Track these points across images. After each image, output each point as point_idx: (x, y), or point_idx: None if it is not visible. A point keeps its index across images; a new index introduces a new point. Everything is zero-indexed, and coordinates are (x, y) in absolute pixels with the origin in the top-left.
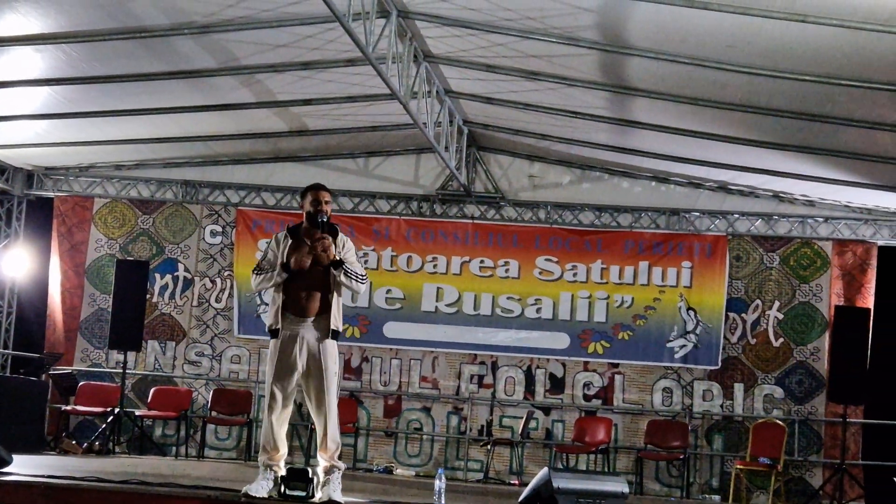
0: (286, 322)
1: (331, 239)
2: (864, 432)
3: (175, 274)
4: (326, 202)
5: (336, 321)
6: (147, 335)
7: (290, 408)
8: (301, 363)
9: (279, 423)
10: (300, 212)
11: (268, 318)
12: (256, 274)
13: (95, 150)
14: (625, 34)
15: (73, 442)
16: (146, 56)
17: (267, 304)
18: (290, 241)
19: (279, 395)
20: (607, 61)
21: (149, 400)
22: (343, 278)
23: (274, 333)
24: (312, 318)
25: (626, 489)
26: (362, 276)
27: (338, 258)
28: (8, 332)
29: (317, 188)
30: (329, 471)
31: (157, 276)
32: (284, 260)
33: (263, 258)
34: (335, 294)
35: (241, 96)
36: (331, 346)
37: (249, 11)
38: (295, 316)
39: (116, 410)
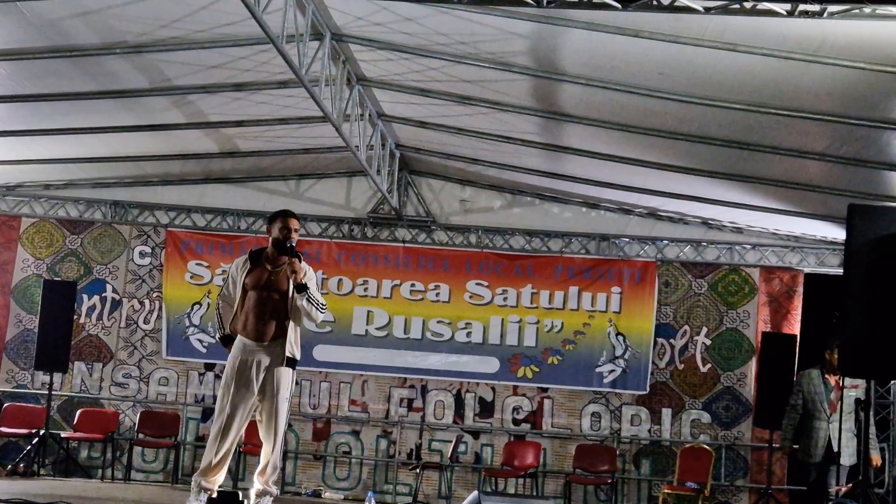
0: (242, 346)
1: (299, 263)
2: (790, 458)
3: (103, 295)
4: (295, 229)
5: (292, 348)
6: (74, 356)
7: (240, 432)
8: (256, 387)
9: (226, 448)
10: (230, 233)
11: (224, 326)
12: (218, 306)
13: (23, 169)
14: (557, 60)
15: None
16: (77, 75)
17: (196, 327)
18: (248, 267)
19: (232, 423)
20: (539, 87)
21: (75, 422)
22: (304, 303)
23: (226, 340)
24: (267, 343)
25: None
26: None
27: (303, 283)
28: None
29: (286, 215)
30: (261, 494)
31: (85, 296)
32: (247, 281)
33: (223, 287)
34: (292, 321)
35: (173, 117)
36: (285, 372)
37: (182, 32)
38: (251, 340)
39: (42, 432)
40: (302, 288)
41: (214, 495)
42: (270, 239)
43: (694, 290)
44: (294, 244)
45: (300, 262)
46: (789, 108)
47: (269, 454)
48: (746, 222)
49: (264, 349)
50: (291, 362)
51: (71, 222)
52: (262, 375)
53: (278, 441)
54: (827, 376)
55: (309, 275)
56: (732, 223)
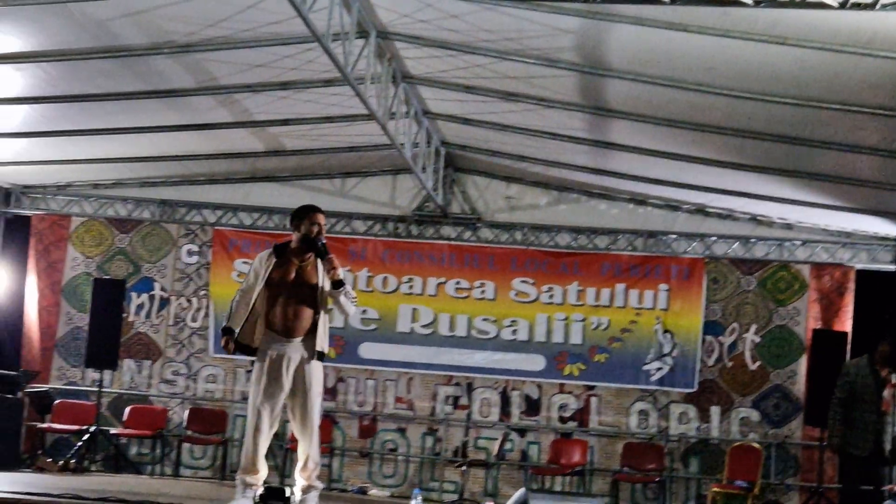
0: (272, 342)
1: (336, 260)
2: (840, 456)
3: (151, 293)
4: (322, 225)
5: (322, 342)
6: (123, 354)
7: (275, 429)
8: (287, 383)
9: (263, 443)
10: (276, 232)
11: (252, 338)
12: (235, 299)
13: (73, 169)
14: (603, 56)
15: (49, 460)
16: (125, 75)
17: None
18: (274, 260)
19: (265, 416)
20: (586, 83)
21: (124, 418)
22: (343, 298)
23: (251, 352)
24: (300, 339)
25: None
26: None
27: (341, 279)
28: None
29: (314, 211)
30: (307, 490)
31: (134, 295)
32: (266, 276)
33: (245, 281)
34: (322, 315)
35: (219, 116)
36: (316, 367)
37: (228, 31)
38: (281, 335)
39: (92, 429)
40: (339, 284)
41: (260, 491)
42: (297, 235)
43: (743, 286)
44: (324, 241)
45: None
46: (841, 102)
47: (307, 450)
48: (796, 218)
49: (294, 345)
50: (321, 356)
51: (120, 221)
52: (292, 371)
53: (314, 436)
54: (877, 366)
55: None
56: (782, 219)
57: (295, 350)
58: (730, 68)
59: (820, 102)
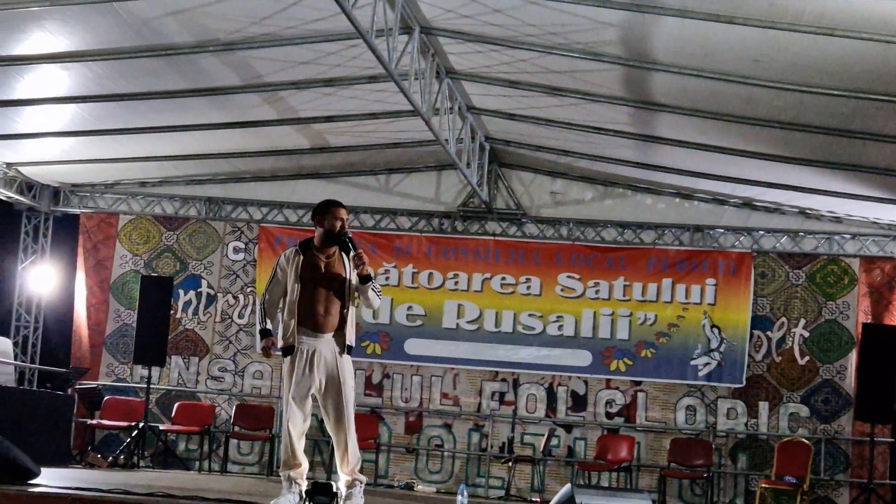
0: (303, 338)
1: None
2: (892, 451)
3: (198, 290)
4: (345, 219)
5: (350, 336)
6: (171, 350)
7: (309, 422)
8: (318, 379)
9: (298, 437)
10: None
11: (281, 335)
12: (264, 300)
13: (120, 167)
14: (648, 49)
15: (99, 456)
16: (170, 73)
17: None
18: (300, 258)
19: (298, 411)
20: (630, 76)
21: (172, 415)
22: (370, 293)
23: (287, 351)
24: (331, 334)
25: None
26: (380, 291)
27: (368, 273)
28: (34, 347)
29: (336, 205)
30: (351, 485)
31: (181, 292)
32: (301, 273)
33: (271, 281)
34: (350, 309)
35: (264, 113)
36: (347, 361)
37: (273, 29)
38: (312, 331)
39: (141, 425)
40: (367, 279)
41: (305, 486)
42: (320, 230)
43: (791, 281)
44: (350, 235)
45: (355, 251)
46: (889, 94)
47: (344, 445)
48: (845, 211)
49: (325, 340)
50: (350, 350)
51: (167, 219)
52: (322, 367)
53: (351, 430)
54: None
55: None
56: (831, 212)
57: (325, 345)
58: (776, 60)
59: (869, 94)
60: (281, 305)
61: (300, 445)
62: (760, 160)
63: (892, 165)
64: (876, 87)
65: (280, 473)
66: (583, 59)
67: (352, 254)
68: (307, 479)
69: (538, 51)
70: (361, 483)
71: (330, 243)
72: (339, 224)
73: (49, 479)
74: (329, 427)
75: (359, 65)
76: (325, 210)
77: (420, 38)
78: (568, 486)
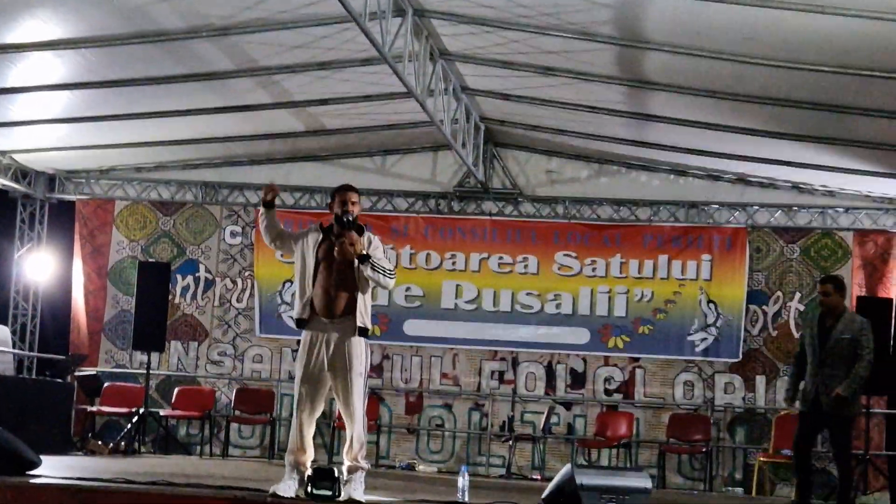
0: (313, 322)
1: (356, 235)
2: (888, 423)
3: (196, 275)
4: (353, 202)
5: (363, 318)
6: (170, 336)
7: (320, 408)
8: (327, 364)
9: (307, 424)
10: (318, 211)
11: (295, 311)
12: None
13: (115, 153)
14: (642, 29)
15: (100, 442)
16: (164, 59)
17: (289, 304)
18: (320, 237)
19: (307, 397)
20: (624, 56)
21: (173, 400)
22: (370, 272)
23: (301, 324)
24: (339, 317)
25: (649, 484)
26: (390, 270)
27: (364, 253)
28: (33, 335)
29: (343, 189)
30: (352, 470)
31: (179, 277)
32: (315, 252)
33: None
34: (361, 292)
35: (259, 97)
36: (357, 344)
37: (266, 13)
38: (321, 316)
39: (141, 411)
40: (364, 259)
41: (309, 472)
42: (333, 215)
43: (786, 255)
44: (352, 217)
45: (361, 234)
46: (879, 69)
47: (351, 429)
48: (838, 185)
49: (334, 325)
50: (363, 332)
51: (163, 204)
52: (332, 352)
53: (358, 416)
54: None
55: (374, 244)
56: (824, 186)
57: (334, 329)
58: (769, 38)
59: (860, 70)
60: (296, 278)
61: (309, 433)
62: (754, 136)
63: (884, 139)
64: (866, 63)
65: (285, 457)
66: (576, 39)
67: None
68: (312, 463)
69: (531, 32)
70: (363, 469)
71: (338, 227)
72: (342, 207)
73: (50, 468)
74: (340, 410)
75: (353, 48)
76: (333, 194)
77: (413, 21)
78: (568, 465)
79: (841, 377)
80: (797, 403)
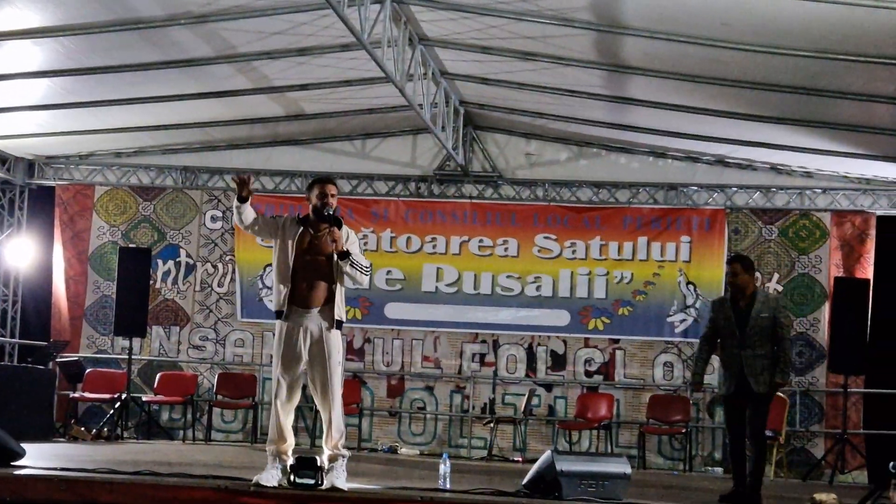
0: (291, 313)
1: (338, 232)
2: (865, 402)
3: (177, 259)
4: (332, 195)
5: (340, 311)
6: (151, 321)
7: (297, 397)
8: (305, 353)
9: (286, 412)
10: (299, 195)
11: (273, 303)
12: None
13: (95, 139)
14: (619, 14)
15: (83, 428)
16: (143, 46)
17: (270, 289)
18: (299, 229)
19: (285, 385)
20: (602, 41)
21: (155, 385)
22: (349, 269)
23: (279, 315)
24: (317, 309)
25: (629, 470)
26: (366, 267)
27: (345, 250)
28: (14, 321)
29: (322, 181)
30: (333, 458)
31: (160, 262)
32: (293, 244)
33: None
34: (339, 285)
35: (238, 83)
36: (335, 336)
37: (244, 0)
38: (299, 307)
39: (123, 396)
40: (345, 255)
41: (290, 461)
42: (310, 206)
43: (764, 236)
44: (332, 211)
45: (339, 227)
46: (855, 53)
47: (329, 420)
48: (816, 166)
49: (311, 316)
50: (339, 325)
51: (143, 189)
52: (308, 342)
53: (337, 405)
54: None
55: (351, 238)
56: (802, 168)
57: (312, 320)
58: (744, 23)
59: (836, 54)
60: (275, 268)
61: (288, 422)
62: (732, 119)
63: (860, 121)
64: (841, 47)
65: (266, 448)
66: (554, 24)
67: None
68: (293, 451)
69: (509, 17)
70: (344, 458)
71: (317, 219)
72: (322, 199)
73: (34, 458)
74: (316, 401)
75: (331, 34)
76: (311, 186)
77: (392, 7)
78: (548, 452)
79: (763, 357)
80: (715, 390)
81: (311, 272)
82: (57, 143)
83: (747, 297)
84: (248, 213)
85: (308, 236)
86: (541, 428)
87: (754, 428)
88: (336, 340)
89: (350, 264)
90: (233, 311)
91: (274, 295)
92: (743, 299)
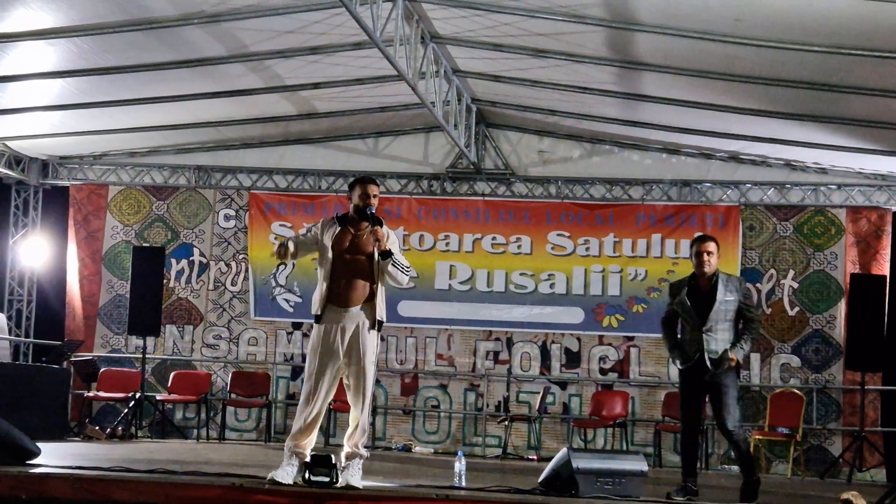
0: (329, 312)
1: (382, 231)
2: (883, 399)
3: (191, 258)
4: (374, 195)
5: (380, 311)
6: (165, 320)
7: (329, 399)
8: (342, 352)
9: (315, 414)
10: (312, 193)
11: (313, 306)
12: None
13: (108, 139)
14: (631, 10)
15: (97, 428)
16: (156, 46)
17: (283, 287)
18: (338, 229)
19: (320, 385)
20: (614, 37)
21: (169, 384)
22: (391, 268)
23: (317, 319)
24: (357, 308)
25: (645, 467)
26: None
27: (388, 249)
28: (28, 321)
29: (365, 181)
30: (351, 456)
31: (173, 261)
32: (332, 244)
33: (304, 233)
34: (379, 284)
35: (251, 82)
36: (371, 336)
37: (257, 0)
38: (337, 306)
39: (138, 395)
40: (387, 254)
41: (307, 459)
42: (351, 205)
43: (779, 233)
44: (374, 211)
45: (381, 227)
46: (870, 49)
47: (357, 418)
48: (831, 162)
49: (350, 314)
50: (380, 325)
51: (156, 188)
52: (347, 340)
53: (366, 404)
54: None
55: (391, 239)
56: (816, 164)
57: (351, 319)
58: (758, 18)
59: (850, 49)
60: (319, 274)
61: (316, 422)
62: (746, 115)
63: (875, 117)
64: (854, 42)
65: (286, 443)
66: (567, 21)
67: (369, 230)
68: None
69: (522, 14)
70: (362, 457)
71: (358, 218)
72: (364, 199)
73: (50, 457)
74: (348, 397)
75: (344, 32)
76: (353, 185)
77: (404, 5)
78: (564, 449)
79: (725, 341)
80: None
81: (351, 271)
82: (71, 143)
83: (708, 278)
84: (296, 254)
85: (349, 235)
86: (555, 426)
87: (721, 425)
88: (372, 340)
89: (392, 264)
90: (246, 310)
91: (314, 296)
92: (706, 280)
